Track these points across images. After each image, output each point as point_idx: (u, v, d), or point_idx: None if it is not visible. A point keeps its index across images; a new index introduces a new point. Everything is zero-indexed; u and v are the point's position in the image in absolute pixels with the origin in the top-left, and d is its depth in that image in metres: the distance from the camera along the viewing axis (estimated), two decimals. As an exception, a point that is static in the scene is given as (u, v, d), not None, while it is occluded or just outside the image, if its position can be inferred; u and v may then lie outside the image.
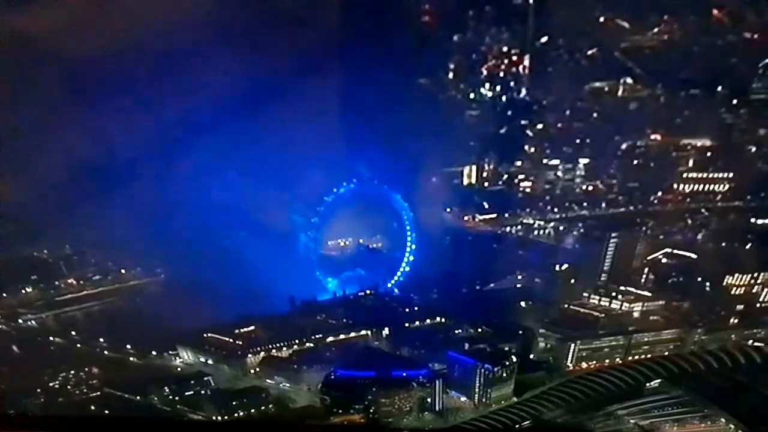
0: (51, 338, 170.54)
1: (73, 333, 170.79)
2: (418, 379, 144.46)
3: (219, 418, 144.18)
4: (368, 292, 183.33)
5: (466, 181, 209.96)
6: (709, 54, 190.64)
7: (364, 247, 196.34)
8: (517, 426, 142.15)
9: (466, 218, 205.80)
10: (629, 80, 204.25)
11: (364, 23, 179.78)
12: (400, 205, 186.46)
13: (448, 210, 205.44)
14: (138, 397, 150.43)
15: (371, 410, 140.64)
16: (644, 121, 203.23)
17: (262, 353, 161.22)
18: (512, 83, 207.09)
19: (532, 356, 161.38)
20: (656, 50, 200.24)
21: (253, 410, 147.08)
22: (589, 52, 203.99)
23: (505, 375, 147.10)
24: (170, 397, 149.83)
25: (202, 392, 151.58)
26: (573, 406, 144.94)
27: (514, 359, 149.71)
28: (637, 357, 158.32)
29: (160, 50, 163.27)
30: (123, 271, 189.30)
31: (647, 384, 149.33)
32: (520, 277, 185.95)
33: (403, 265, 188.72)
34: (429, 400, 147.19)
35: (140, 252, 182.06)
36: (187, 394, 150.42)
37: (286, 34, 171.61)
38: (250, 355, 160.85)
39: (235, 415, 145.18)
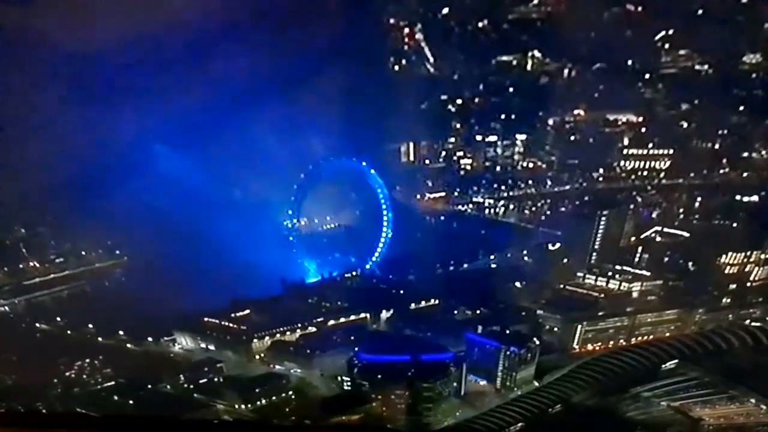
0: (37, 325, 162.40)
1: (59, 319, 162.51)
2: (451, 363, 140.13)
3: (242, 406, 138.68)
4: (354, 273, 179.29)
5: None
6: (598, 27, 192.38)
7: (341, 227, 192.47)
8: (549, 410, 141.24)
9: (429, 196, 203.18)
10: (537, 54, 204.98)
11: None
12: (377, 182, 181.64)
13: (397, 188, 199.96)
14: (150, 386, 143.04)
15: (412, 395, 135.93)
16: (562, 95, 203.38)
17: (267, 338, 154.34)
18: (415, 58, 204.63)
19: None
20: (545, 22, 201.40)
21: (274, 397, 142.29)
22: (480, 25, 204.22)
23: (529, 357, 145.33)
24: (185, 385, 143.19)
25: (216, 379, 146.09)
26: (597, 389, 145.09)
27: (537, 341, 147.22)
28: (639, 338, 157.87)
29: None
30: (83, 252, 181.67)
31: (663, 365, 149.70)
32: (506, 256, 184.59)
33: (381, 245, 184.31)
34: (455, 384, 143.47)
35: (115, 236, 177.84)
36: (201, 381, 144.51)
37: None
38: (255, 340, 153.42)
39: (258, 402, 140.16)
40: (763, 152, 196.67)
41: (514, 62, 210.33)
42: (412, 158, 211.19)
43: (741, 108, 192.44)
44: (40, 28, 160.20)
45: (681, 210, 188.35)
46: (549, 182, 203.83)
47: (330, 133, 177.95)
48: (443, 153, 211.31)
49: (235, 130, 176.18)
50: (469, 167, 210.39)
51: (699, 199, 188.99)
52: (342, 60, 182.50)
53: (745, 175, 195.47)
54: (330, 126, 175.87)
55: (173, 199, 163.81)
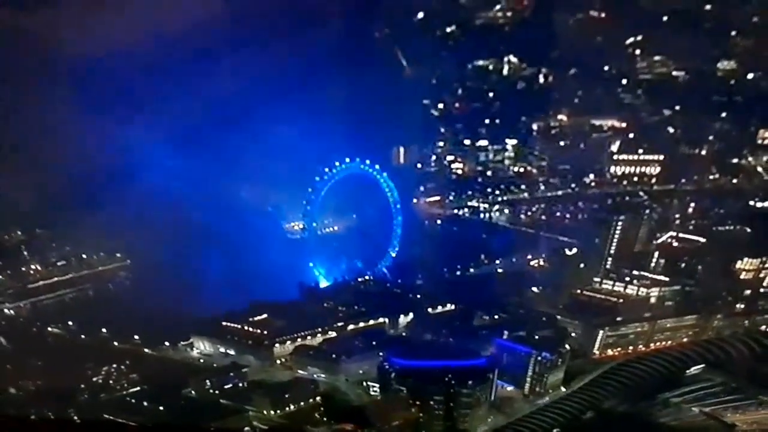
0: (49, 329, 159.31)
1: (70, 323, 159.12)
2: (489, 370, 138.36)
3: (271, 412, 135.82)
4: (367, 277, 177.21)
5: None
6: (567, 32, 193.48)
7: (352, 231, 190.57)
8: (583, 416, 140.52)
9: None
10: (513, 59, 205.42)
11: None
12: (387, 186, 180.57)
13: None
14: (176, 392, 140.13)
15: (450, 401, 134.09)
16: (542, 100, 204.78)
17: (289, 342, 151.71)
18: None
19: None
20: (512, 27, 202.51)
21: (302, 403, 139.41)
22: (449, 30, 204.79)
23: (560, 362, 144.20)
24: (211, 390, 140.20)
25: (241, 385, 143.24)
26: (626, 395, 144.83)
27: (567, 346, 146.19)
28: (658, 344, 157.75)
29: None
30: (84, 256, 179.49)
31: (687, 371, 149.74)
32: (522, 261, 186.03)
33: (392, 249, 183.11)
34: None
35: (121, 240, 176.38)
36: (227, 387, 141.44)
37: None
38: (277, 345, 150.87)
39: (287, 408, 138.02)
40: (750, 158, 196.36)
41: (490, 67, 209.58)
42: (422, 163, 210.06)
43: (723, 114, 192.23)
44: (40, 29, 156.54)
45: (695, 215, 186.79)
46: (562, 187, 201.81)
47: (333, 137, 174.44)
48: (452, 157, 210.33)
49: (245, 134, 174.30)
50: (463, 171, 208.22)
51: (711, 204, 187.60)
52: (337, 65, 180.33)
53: (734, 181, 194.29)
54: (333, 131, 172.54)
55: (181, 203, 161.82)
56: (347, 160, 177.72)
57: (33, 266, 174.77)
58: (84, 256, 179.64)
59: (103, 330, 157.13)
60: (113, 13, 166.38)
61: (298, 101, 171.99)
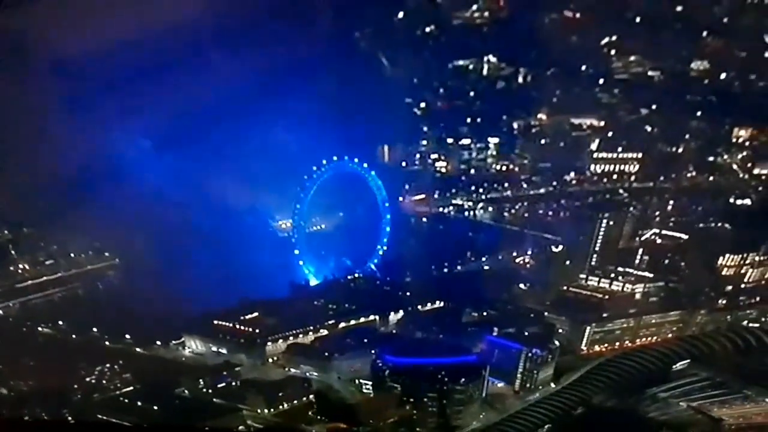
0: (39, 329, 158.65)
1: (61, 323, 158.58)
2: (481, 366, 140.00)
3: (265, 411, 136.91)
4: (356, 275, 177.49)
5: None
6: (544, 33, 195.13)
7: (341, 228, 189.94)
8: (573, 412, 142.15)
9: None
10: (492, 58, 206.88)
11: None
12: (376, 184, 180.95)
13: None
14: (170, 391, 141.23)
15: (444, 398, 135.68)
16: (522, 99, 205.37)
17: (281, 341, 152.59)
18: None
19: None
20: (489, 27, 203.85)
21: (295, 401, 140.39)
22: (428, 30, 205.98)
23: (550, 358, 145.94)
24: (204, 390, 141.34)
25: (234, 383, 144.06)
26: (615, 390, 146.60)
27: (557, 342, 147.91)
28: (643, 339, 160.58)
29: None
30: (72, 255, 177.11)
31: (673, 366, 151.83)
32: (509, 258, 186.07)
33: (381, 247, 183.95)
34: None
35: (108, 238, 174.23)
36: (220, 386, 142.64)
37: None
38: (270, 343, 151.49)
39: (281, 407, 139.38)
40: (726, 156, 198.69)
41: (470, 67, 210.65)
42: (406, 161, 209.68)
43: (698, 113, 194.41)
44: (25, 24, 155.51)
45: (676, 212, 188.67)
46: (544, 185, 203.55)
47: (321, 136, 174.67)
48: (435, 156, 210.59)
49: (234, 133, 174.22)
50: (446, 170, 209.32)
51: (690, 202, 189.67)
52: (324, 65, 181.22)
53: (711, 178, 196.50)
54: (320, 129, 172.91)
55: (170, 201, 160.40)
56: (335, 158, 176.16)
57: (21, 265, 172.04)
58: (72, 255, 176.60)
59: (94, 329, 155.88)
60: (101, 8, 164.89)
61: (284, 100, 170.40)
